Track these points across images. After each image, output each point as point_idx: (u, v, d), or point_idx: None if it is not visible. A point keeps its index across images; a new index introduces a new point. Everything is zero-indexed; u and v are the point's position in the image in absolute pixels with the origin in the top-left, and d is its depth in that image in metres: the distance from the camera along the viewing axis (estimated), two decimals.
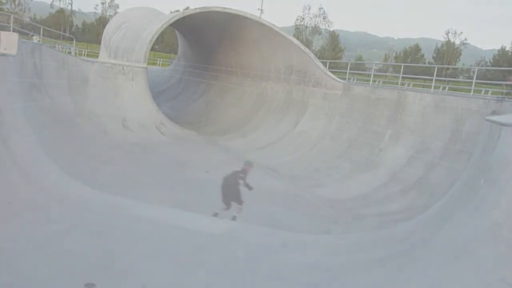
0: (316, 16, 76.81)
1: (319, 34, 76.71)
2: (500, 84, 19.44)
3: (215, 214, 8.06)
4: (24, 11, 66.01)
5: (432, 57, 73.79)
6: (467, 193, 6.74)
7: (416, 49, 74.07)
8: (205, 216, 8.54)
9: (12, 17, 13.47)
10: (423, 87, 23.57)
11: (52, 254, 6.00)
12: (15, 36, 10.21)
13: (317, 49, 71.32)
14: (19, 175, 8.20)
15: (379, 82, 28.07)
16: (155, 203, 8.91)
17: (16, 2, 64.91)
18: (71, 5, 75.15)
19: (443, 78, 38.28)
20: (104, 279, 5.53)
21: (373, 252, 7.31)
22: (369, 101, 15.06)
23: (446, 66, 37.78)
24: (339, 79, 17.40)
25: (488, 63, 70.48)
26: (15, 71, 10.10)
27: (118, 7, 77.58)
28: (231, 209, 7.85)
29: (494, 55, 69.70)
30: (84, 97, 15.70)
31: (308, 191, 11.53)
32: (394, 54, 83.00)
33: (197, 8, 17.82)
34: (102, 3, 78.16)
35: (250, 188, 7.68)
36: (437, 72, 15.78)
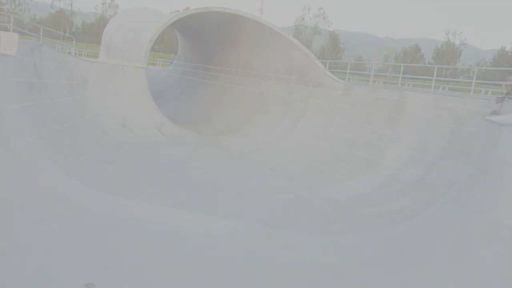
0: (316, 16, 76.94)
1: (319, 34, 76.79)
2: (500, 84, 19.44)
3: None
4: (24, 11, 66.00)
5: (432, 57, 73.87)
6: (467, 193, 6.75)
7: (416, 49, 74.12)
8: (205, 216, 8.55)
9: (12, 17, 13.45)
10: (423, 87, 23.57)
11: (52, 254, 6.00)
12: (15, 36, 10.21)
13: (317, 49, 71.32)
14: (19, 175, 8.21)
15: (379, 82, 28.08)
16: (155, 203, 8.92)
17: (16, 2, 64.91)
18: (71, 5, 75.21)
19: (443, 78, 38.29)
20: (104, 279, 5.54)
21: (373, 252, 7.32)
22: (369, 101, 15.06)
23: (446, 66, 37.74)
24: (339, 79, 17.39)
25: (488, 63, 70.55)
26: (15, 71, 10.11)
27: (118, 7, 77.63)
28: None
29: (494, 55, 69.77)
30: (84, 97, 15.69)
31: (308, 191, 11.53)
32: (394, 54, 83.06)
33: (197, 8, 17.81)
34: (102, 3, 78.20)
35: None
36: (437, 72, 15.78)
